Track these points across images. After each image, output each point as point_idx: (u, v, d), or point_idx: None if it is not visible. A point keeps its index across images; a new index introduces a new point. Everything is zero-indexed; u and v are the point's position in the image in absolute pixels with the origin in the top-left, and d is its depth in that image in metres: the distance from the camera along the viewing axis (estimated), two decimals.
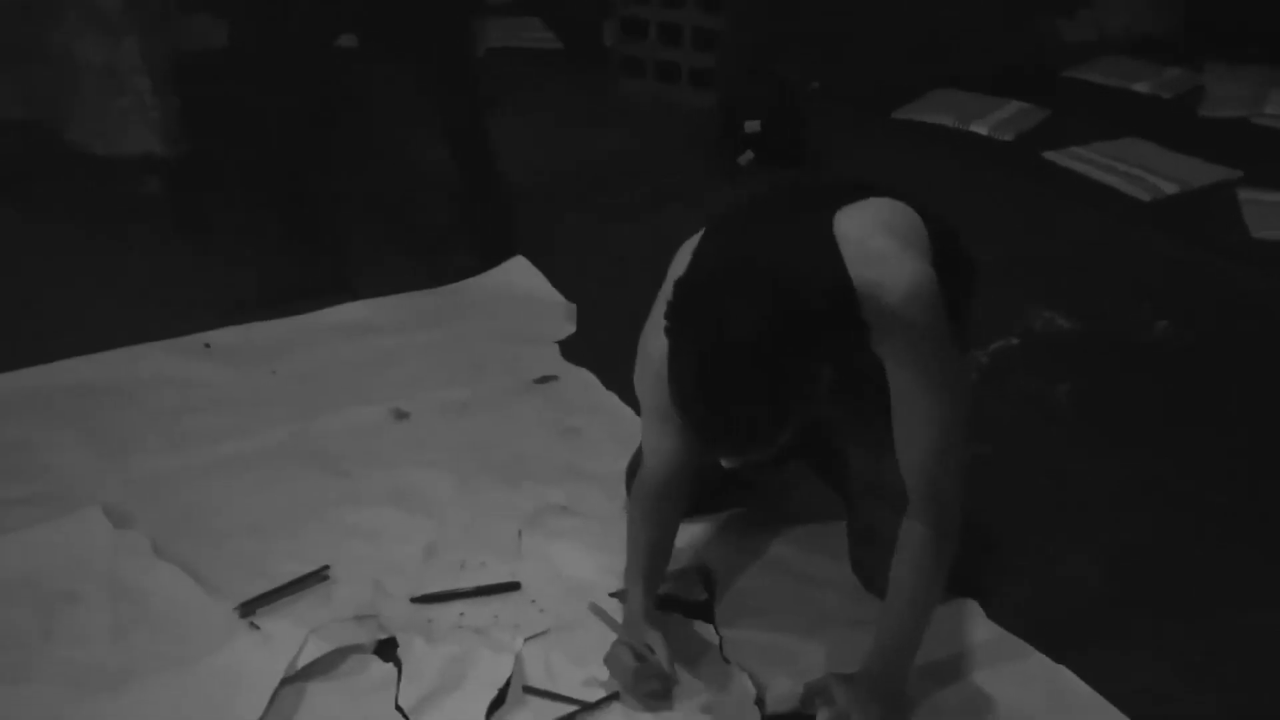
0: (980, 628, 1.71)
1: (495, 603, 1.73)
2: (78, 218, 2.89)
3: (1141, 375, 2.38)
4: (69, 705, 1.51)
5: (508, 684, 1.57)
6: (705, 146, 3.55)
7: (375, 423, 2.18)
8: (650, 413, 1.61)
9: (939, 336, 1.39)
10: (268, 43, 2.58)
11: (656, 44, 4.06)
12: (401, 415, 2.21)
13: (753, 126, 3.49)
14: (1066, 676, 1.62)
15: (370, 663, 1.62)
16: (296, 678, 1.57)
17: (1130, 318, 2.58)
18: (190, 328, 2.47)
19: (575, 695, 1.56)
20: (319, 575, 1.76)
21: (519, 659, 1.61)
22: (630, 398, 1.66)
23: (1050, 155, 3.55)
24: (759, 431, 1.28)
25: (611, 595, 1.75)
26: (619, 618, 1.66)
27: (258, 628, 1.65)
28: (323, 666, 1.59)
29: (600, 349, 2.41)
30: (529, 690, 1.57)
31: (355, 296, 2.63)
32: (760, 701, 1.56)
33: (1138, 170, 3.38)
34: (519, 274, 2.78)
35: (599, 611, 1.66)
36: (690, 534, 1.86)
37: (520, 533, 1.88)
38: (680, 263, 1.55)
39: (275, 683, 1.54)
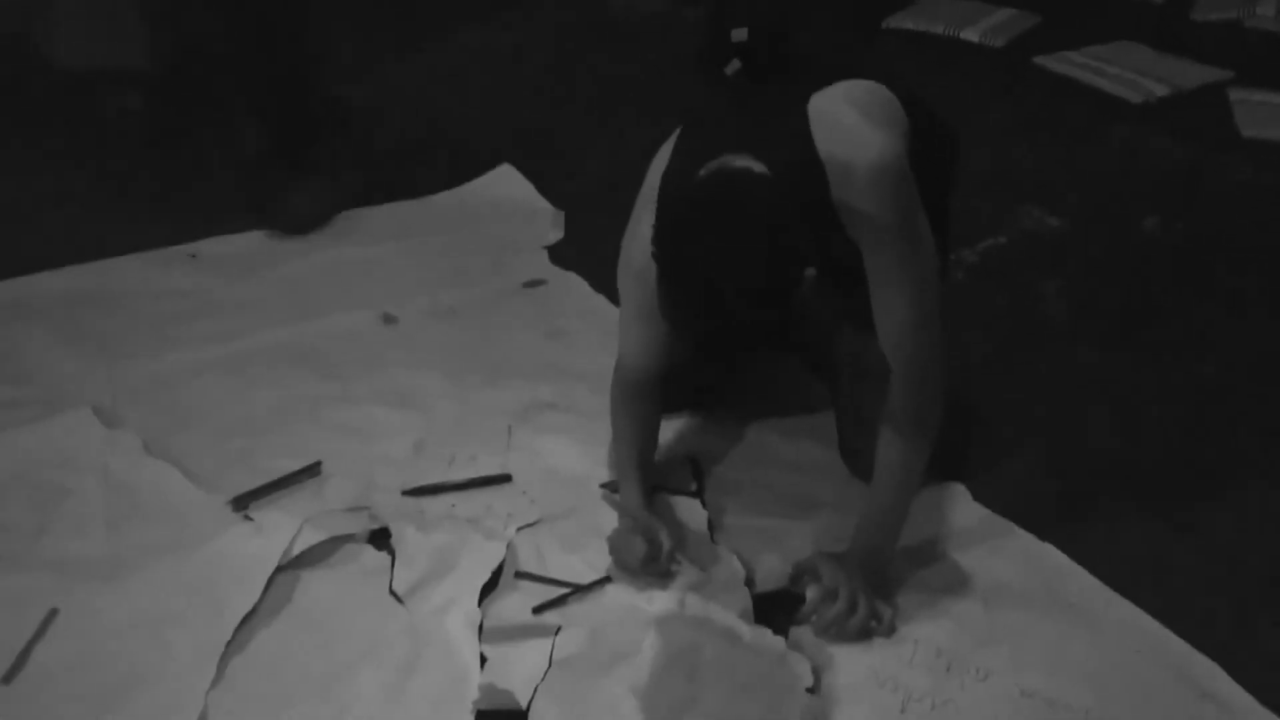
0: (966, 510, 1.73)
1: (486, 494, 1.75)
2: (60, 132, 2.86)
3: (1130, 268, 2.38)
4: (65, 594, 1.53)
5: (500, 569, 1.60)
6: (692, 56, 3.49)
7: (364, 327, 2.18)
8: (630, 310, 1.62)
9: (907, 210, 1.39)
10: None
11: None
12: (390, 319, 2.20)
13: (739, 35, 3.43)
14: (1051, 553, 1.64)
15: (363, 551, 1.63)
16: (290, 565, 1.59)
17: (1119, 215, 2.57)
18: (174, 239, 2.46)
19: (567, 579, 1.58)
20: (311, 470, 1.77)
21: (511, 546, 1.63)
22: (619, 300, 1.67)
23: (1041, 60, 3.50)
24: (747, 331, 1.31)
25: (602, 486, 1.76)
26: (609, 508, 1.69)
27: (251, 519, 1.66)
28: (316, 555, 1.61)
29: (589, 254, 2.40)
30: (521, 575, 1.59)
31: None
32: (750, 581, 1.58)
33: (1129, 73, 3.34)
34: (506, 182, 2.77)
35: (611, 499, 1.68)
36: (677, 427, 1.88)
37: (510, 428, 1.89)
38: (660, 161, 1.55)
39: (270, 570, 1.56)
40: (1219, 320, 2.19)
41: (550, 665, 1.44)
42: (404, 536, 1.64)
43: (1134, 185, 2.72)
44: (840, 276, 1.43)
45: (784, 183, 1.33)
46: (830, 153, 1.38)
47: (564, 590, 1.56)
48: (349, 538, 1.64)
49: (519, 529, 1.67)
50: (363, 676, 1.42)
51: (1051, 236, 2.51)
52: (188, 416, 1.90)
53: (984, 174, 2.57)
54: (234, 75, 2.66)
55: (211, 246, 2.46)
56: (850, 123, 1.38)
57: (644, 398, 1.67)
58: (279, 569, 1.57)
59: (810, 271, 1.31)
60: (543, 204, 2.68)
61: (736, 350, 1.88)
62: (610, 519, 1.67)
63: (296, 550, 1.60)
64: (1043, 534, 1.67)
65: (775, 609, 1.54)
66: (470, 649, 1.46)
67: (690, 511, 1.71)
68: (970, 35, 3.72)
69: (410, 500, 1.73)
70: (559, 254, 2.48)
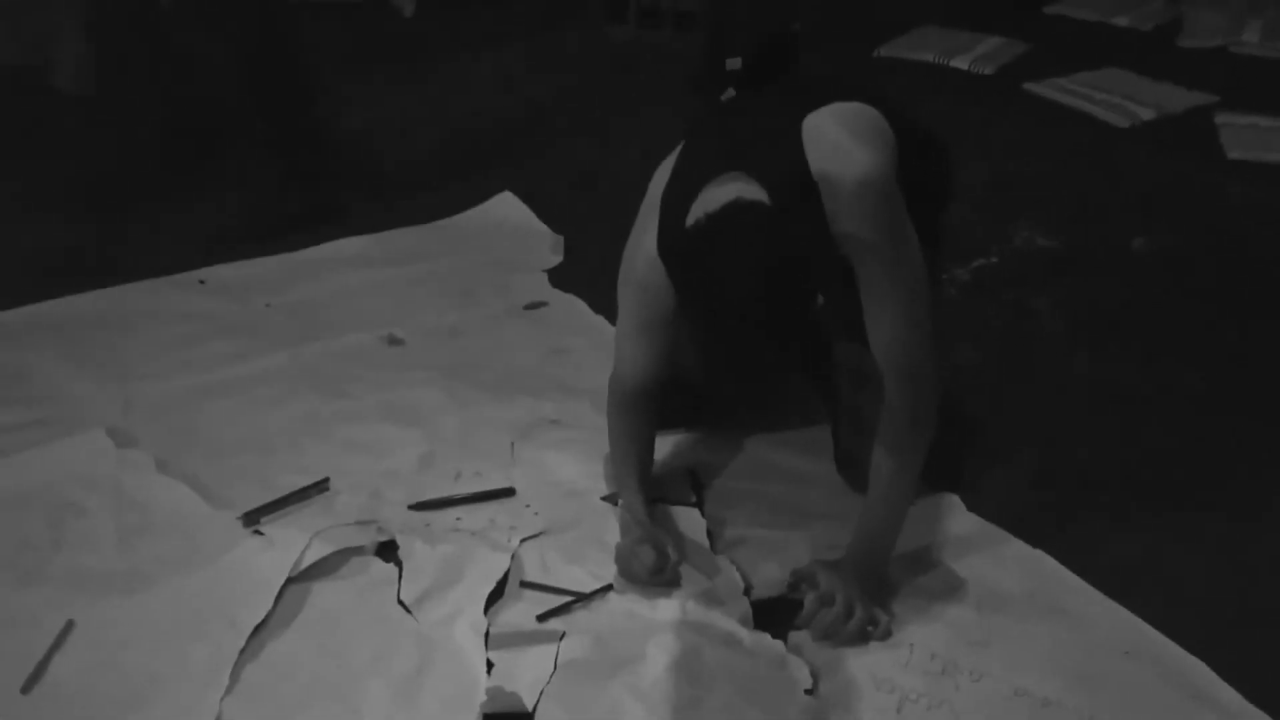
0: (960, 519, 1.77)
1: (491, 508, 1.79)
2: (66, 162, 2.92)
3: (1119, 285, 2.43)
4: (81, 607, 1.56)
5: (505, 579, 1.63)
6: (688, 84, 3.58)
7: (369, 348, 2.23)
8: (628, 322, 1.67)
9: (892, 223, 1.45)
10: None
11: None
12: (395, 341, 2.25)
13: (734, 64, 3.52)
14: (1043, 559, 1.68)
15: (372, 563, 1.67)
16: (301, 578, 1.62)
17: (1109, 234, 2.63)
18: (183, 266, 2.51)
19: (571, 589, 1.62)
20: (320, 486, 1.81)
21: (516, 557, 1.67)
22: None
23: (1031, 86, 3.57)
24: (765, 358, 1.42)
25: (603, 499, 1.80)
26: (612, 520, 1.73)
27: (262, 534, 1.70)
28: (326, 567, 1.65)
29: (589, 276, 2.45)
30: (526, 584, 1.63)
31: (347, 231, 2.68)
32: (749, 589, 1.62)
33: (1116, 98, 3.41)
34: (506, 208, 2.83)
35: (619, 512, 1.72)
36: (676, 441, 1.93)
37: (513, 444, 1.93)
38: (662, 175, 1.61)
39: (281, 582, 1.60)
40: (1208, 333, 2.24)
41: (555, 669, 1.47)
42: (411, 549, 1.68)
43: (1123, 206, 2.78)
44: (837, 290, 1.49)
45: (783, 207, 1.39)
46: (822, 170, 1.43)
47: (568, 599, 1.60)
48: (357, 550, 1.68)
49: (523, 540, 1.71)
50: (373, 682, 1.46)
51: (1042, 255, 2.56)
52: (198, 436, 1.94)
53: (975, 195, 2.63)
54: (243, 108, 2.74)
55: (219, 273, 2.52)
56: (839, 141, 1.44)
57: (641, 409, 1.72)
58: (289, 581, 1.61)
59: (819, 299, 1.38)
60: (542, 229, 2.74)
61: (753, 373, 1.93)
62: (612, 530, 1.71)
63: (306, 563, 1.64)
64: (1035, 542, 1.71)
65: (774, 615, 1.58)
66: (477, 655, 1.49)
67: (690, 522, 1.75)
68: (960, 63, 3.80)
69: (417, 514, 1.77)
70: (559, 277, 2.53)
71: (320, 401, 2.05)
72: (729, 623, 1.55)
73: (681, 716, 1.41)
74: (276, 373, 2.12)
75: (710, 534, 1.73)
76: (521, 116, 3.38)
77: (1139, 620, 1.57)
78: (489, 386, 2.09)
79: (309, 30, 2.99)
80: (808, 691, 1.45)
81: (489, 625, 1.54)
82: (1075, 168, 3.00)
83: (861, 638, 1.52)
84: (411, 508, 1.78)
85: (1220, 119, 3.24)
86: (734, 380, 1.90)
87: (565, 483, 1.85)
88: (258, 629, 1.53)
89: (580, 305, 2.40)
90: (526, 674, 1.47)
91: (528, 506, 1.79)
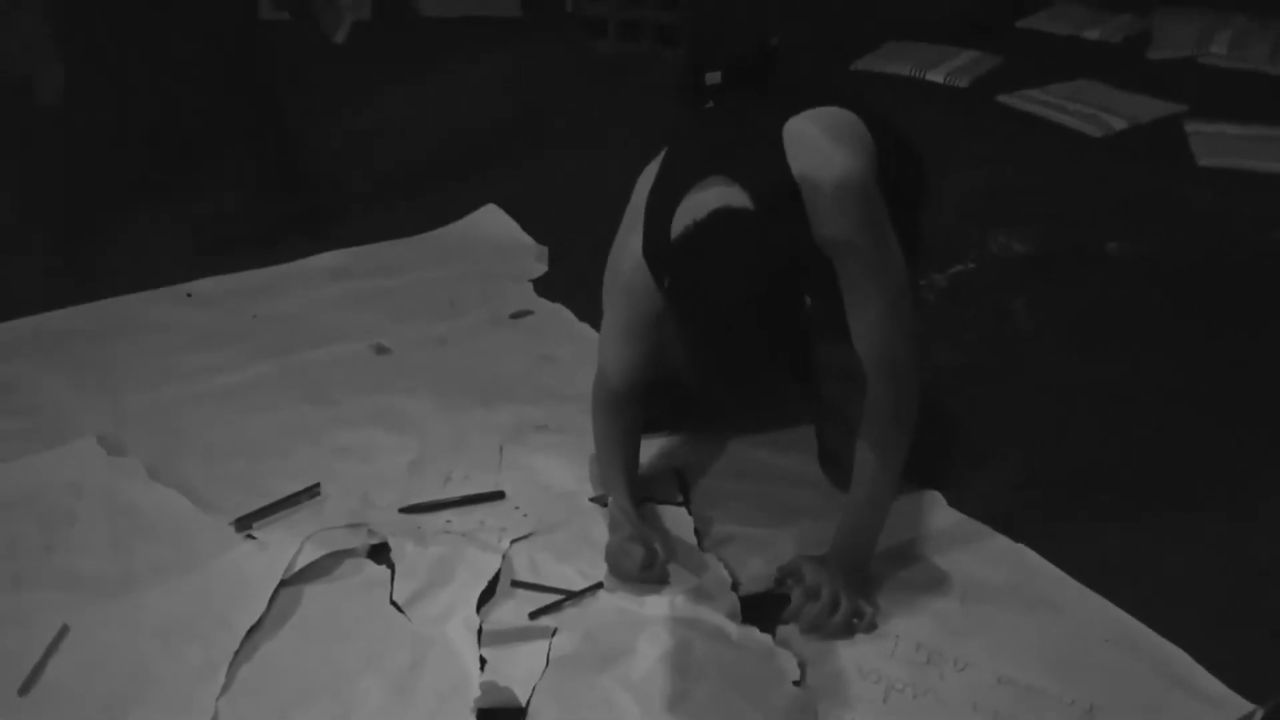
0: (942, 515, 1.80)
1: (481, 510, 1.81)
2: (51, 178, 2.93)
3: (1095, 288, 2.48)
4: (75, 611, 1.57)
5: (496, 579, 1.65)
6: (670, 96, 3.63)
7: (357, 356, 2.25)
8: (613, 324, 1.70)
9: (873, 221, 1.49)
10: None
11: (619, 3, 4.12)
12: (382, 350, 2.28)
13: (714, 78, 3.57)
14: (1024, 552, 1.71)
15: (364, 565, 1.69)
16: (293, 580, 1.64)
17: (1083, 240, 2.68)
18: (166, 280, 2.53)
19: (561, 587, 1.64)
20: (310, 491, 1.83)
21: (506, 557, 1.69)
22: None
23: (1004, 99, 3.64)
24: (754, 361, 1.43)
25: (591, 500, 1.83)
26: (600, 520, 1.75)
27: (254, 538, 1.72)
28: (318, 570, 1.67)
29: (574, 286, 2.48)
30: (517, 584, 1.65)
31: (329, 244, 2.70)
32: (736, 585, 1.65)
33: (1089, 108, 3.48)
34: (491, 220, 2.86)
35: (615, 511, 1.72)
36: (662, 442, 1.96)
37: (501, 448, 1.96)
38: (647, 179, 1.65)
39: (274, 584, 1.62)
40: (1184, 333, 2.29)
41: (548, 665, 1.49)
42: (402, 550, 1.70)
43: (1096, 212, 2.83)
44: (823, 291, 1.52)
45: (767, 211, 1.43)
46: (802, 173, 1.47)
47: (559, 597, 1.62)
48: (349, 552, 1.70)
49: (513, 541, 1.73)
50: (367, 679, 1.48)
51: (1018, 261, 2.61)
52: (189, 443, 1.96)
53: (951, 203, 2.68)
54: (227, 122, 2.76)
55: (206, 286, 2.53)
56: (819, 144, 1.48)
57: (626, 410, 1.74)
58: (282, 583, 1.63)
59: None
60: (527, 240, 2.76)
61: (741, 376, 1.95)
62: (601, 530, 1.74)
63: (299, 565, 1.65)
64: (1016, 536, 1.74)
65: (762, 610, 1.60)
66: (470, 652, 1.51)
67: (677, 521, 1.78)
68: (935, 76, 3.87)
69: (407, 517, 1.79)
70: (545, 287, 2.56)
71: (309, 409, 2.06)
72: (718, 617, 1.57)
73: (672, 708, 1.43)
74: (265, 381, 2.14)
75: (698, 532, 1.76)
76: (503, 129, 3.42)
77: (1119, 610, 1.60)
78: (477, 393, 2.11)
79: (287, 43, 3.04)
80: (795, 682, 1.47)
81: (481, 623, 1.56)
82: (1050, 176, 3.06)
83: (847, 630, 1.55)
84: (402, 511, 1.80)
85: (1190, 127, 3.31)
86: (722, 382, 1.93)
87: (554, 485, 1.87)
88: (252, 630, 1.55)
89: (566, 314, 2.43)
90: (519, 670, 1.49)
91: (517, 508, 1.81)
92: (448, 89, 3.76)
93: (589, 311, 2.31)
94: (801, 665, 1.50)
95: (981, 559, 1.70)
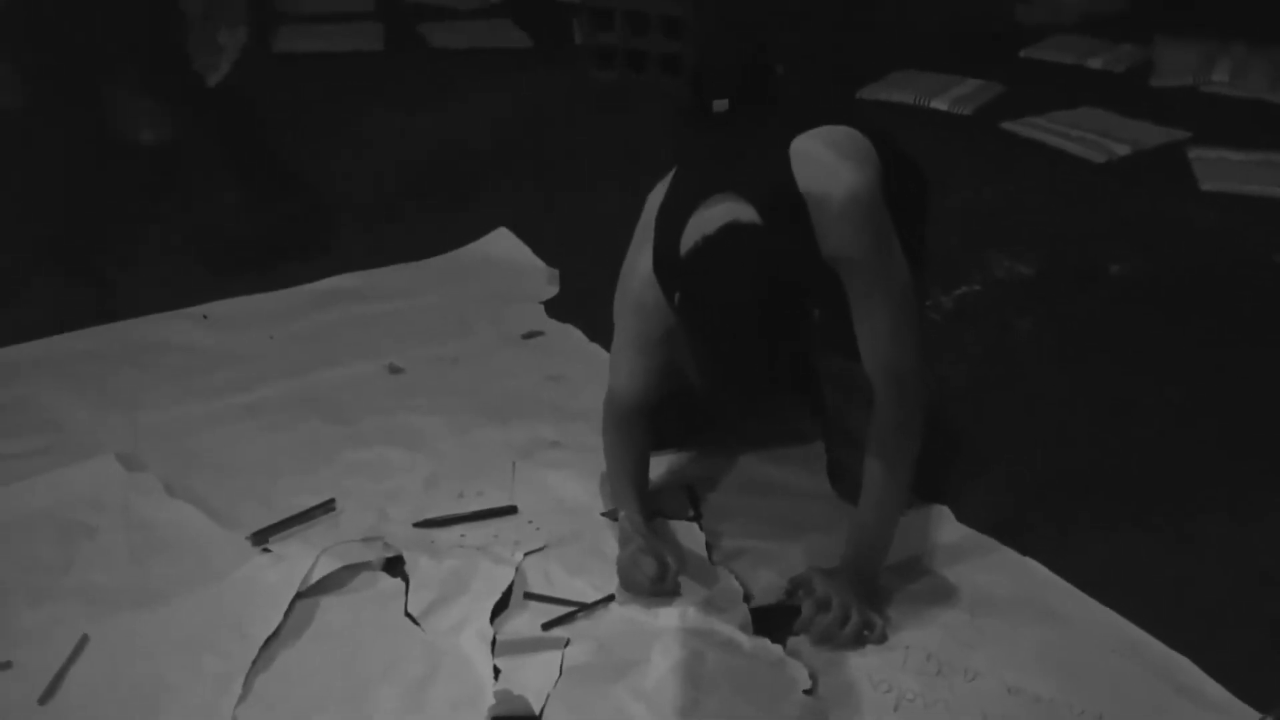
0: (950, 529, 1.82)
1: (494, 524, 1.83)
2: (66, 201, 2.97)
3: (1099, 308, 2.51)
4: (95, 622, 1.60)
5: (509, 591, 1.67)
6: (674, 124, 3.68)
7: (371, 377, 2.28)
8: (624, 340, 1.73)
9: (880, 234, 1.51)
10: None
11: (624, 33, 4.18)
12: (396, 370, 2.31)
13: (720, 106, 3.63)
14: (1032, 565, 1.73)
15: (379, 578, 1.71)
16: (309, 592, 1.66)
17: (1087, 263, 2.71)
18: (185, 303, 2.56)
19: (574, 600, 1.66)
20: (326, 507, 1.85)
21: (519, 570, 1.71)
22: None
23: (1008, 125, 3.68)
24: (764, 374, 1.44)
25: (603, 515, 1.85)
26: (612, 534, 1.77)
27: (270, 551, 1.74)
28: (334, 582, 1.69)
29: (585, 306, 2.51)
30: (530, 596, 1.67)
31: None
32: (747, 597, 1.66)
33: (1092, 135, 3.52)
34: (502, 244, 2.89)
35: (626, 525, 1.74)
36: (672, 460, 1.98)
37: (514, 464, 1.98)
38: (656, 196, 1.68)
39: (290, 596, 1.64)
40: (1185, 350, 2.32)
41: (561, 674, 1.51)
42: (417, 563, 1.72)
43: (1100, 235, 2.87)
44: (830, 305, 1.55)
45: (774, 226, 1.46)
46: (809, 188, 1.50)
47: (571, 609, 1.64)
48: (364, 565, 1.72)
49: (526, 554, 1.75)
50: (383, 689, 1.50)
51: (1023, 283, 2.64)
52: (205, 460, 1.98)
53: (957, 227, 2.72)
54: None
55: (222, 308, 2.56)
56: (826, 159, 1.51)
57: (636, 425, 1.77)
58: (298, 595, 1.65)
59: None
60: (538, 263, 2.80)
61: (751, 390, 1.98)
62: (613, 544, 1.76)
63: (315, 578, 1.68)
64: (1024, 549, 1.76)
65: (772, 621, 1.62)
66: (484, 662, 1.53)
67: (689, 535, 1.80)
68: (940, 104, 3.91)
69: (421, 531, 1.81)
70: (555, 308, 2.59)
71: (325, 428, 2.09)
72: (729, 628, 1.59)
73: (684, 717, 1.45)
74: (281, 400, 2.17)
75: (708, 546, 1.78)
76: (512, 154, 3.46)
77: (1125, 620, 1.62)
78: (489, 411, 2.14)
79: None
80: (806, 692, 1.49)
81: (495, 634, 1.58)
82: (1054, 200, 3.10)
83: (858, 641, 1.57)
84: (416, 525, 1.82)
85: (1193, 153, 3.35)
86: (731, 395, 1.96)
87: (566, 500, 1.89)
88: (269, 641, 1.57)
89: (576, 334, 2.46)
90: (533, 679, 1.51)
91: (530, 523, 1.83)
92: (456, 117, 3.81)
93: (599, 332, 2.34)
94: (813, 675, 1.52)
95: (989, 572, 1.72)
